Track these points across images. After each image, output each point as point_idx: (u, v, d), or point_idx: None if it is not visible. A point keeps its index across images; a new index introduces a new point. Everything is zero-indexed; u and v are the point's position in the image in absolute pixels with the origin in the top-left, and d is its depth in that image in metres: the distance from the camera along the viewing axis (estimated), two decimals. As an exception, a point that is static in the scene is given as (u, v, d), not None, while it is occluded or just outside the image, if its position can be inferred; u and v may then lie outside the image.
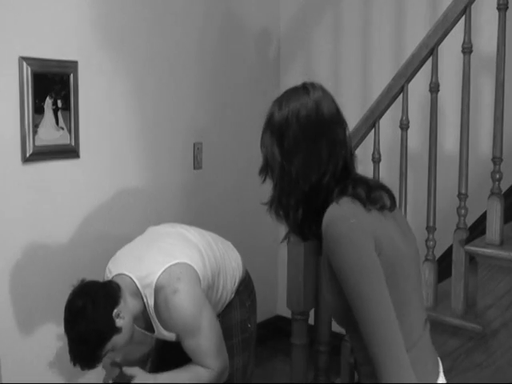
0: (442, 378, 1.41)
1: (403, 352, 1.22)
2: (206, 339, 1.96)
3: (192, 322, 1.94)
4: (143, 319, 2.02)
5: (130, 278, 1.97)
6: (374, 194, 1.33)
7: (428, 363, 1.37)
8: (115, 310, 1.92)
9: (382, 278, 1.24)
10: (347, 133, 1.39)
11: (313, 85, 1.39)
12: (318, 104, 1.34)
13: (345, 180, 1.34)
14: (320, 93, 1.37)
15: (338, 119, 1.37)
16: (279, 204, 1.37)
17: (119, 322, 1.93)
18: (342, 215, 1.27)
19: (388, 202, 1.37)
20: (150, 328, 2.05)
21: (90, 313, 1.88)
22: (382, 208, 1.33)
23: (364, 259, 1.24)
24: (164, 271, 1.94)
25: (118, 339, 1.92)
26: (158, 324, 2.00)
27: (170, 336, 2.02)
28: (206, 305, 1.98)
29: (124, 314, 1.94)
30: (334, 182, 1.33)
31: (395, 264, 1.29)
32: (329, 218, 1.28)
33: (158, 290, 1.93)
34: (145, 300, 1.96)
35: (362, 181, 1.36)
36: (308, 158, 1.32)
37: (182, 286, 1.93)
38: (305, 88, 1.38)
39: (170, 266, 1.96)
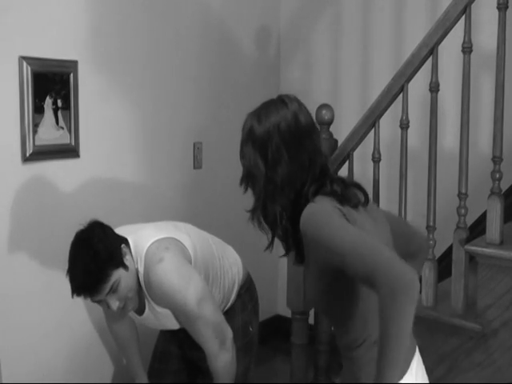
0: (417, 357, 1.48)
1: (390, 250, 1.31)
2: (194, 315, 1.95)
3: (177, 293, 1.93)
4: (136, 293, 2.01)
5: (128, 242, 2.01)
6: (348, 192, 1.44)
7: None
8: (123, 246, 1.94)
9: (359, 231, 1.33)
10: (320, 139, 1.50)
11: (289, 97, 1.48)
12: (296, 115, 1.43)
13: (323, 178, 1.44)
14: (296, 104, 1.46)
15: (314, 128, 1.48)
16: (264, 211, 1.44)
17: (126, 261, 1.93)
18: (315, 209, 1.37)
19: (362, 199, 1.47)
20: (140, 308, 2.05)
21: (101, 234, 1.92)
22: (355, 205, 1.42)
23: (339, 223, 1.32)
24: (154, 241, 1.98)
25: (123, 276, 1.91)
26: (148, 296, 2.00)
27: (162, 312, 2.02)
28: (194, 278, 1.97)
29: (129, 258, 1.95)
30: (314, 187, 1.42)
31: None
32: (304, 214, 1.36)
33: (146, 259, 1.96)
34: (136, 266, 1.98)
35: (339, 179, 1.47)
36: (291, 166, 1.41)
37: (168, 256, 1.95)
38: (282, 101, 1.46)
39: (161, 238, 2.00)
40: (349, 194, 1.43)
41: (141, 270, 1.97)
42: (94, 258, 1.86)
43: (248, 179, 1.46)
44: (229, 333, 2.01)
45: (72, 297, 1.89)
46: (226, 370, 2.03)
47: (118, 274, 1.90)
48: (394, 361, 1.25)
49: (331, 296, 1.41)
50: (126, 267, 1.92)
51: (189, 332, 2.03)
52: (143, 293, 2.01)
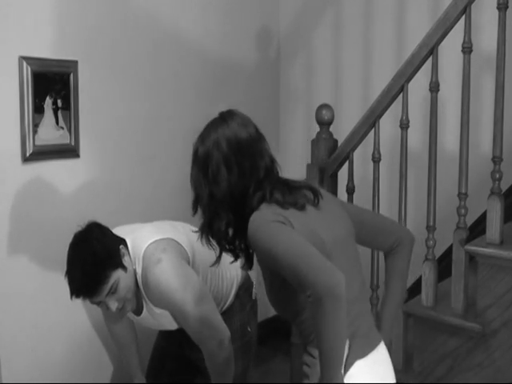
0: (378, 352, 1.51)
1: (321, 256, 1.33)
2: (192, 315, 1.95)
3: (175, 294, 1.93)
4: (134, 294, 2.00)
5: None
6: (292, 196, 1.46)
7: (357, 337, 1.45)
8: (121, 247, 1.93)
9: (301, 238, 1.37)
10: (266, 145, 1.52)
11: (229, 112, 1.53)
12: (235, 130, 1.48)
13: (267, 184, 1.47)
14: (237, 119, 1.50)
15: (256, 137, 1.50)
16: (210, 229, 1.50)
17: (125, 262, 1.93)
18: (260, 215, 1.42)
19: (310, 199, 1.50)
20: (138, 309, 2.04)
21: (99, 235, 1.92)
22: (302, 207, 1.46)
23: (279, 233, 1.37)
24: (152, 242, 1.98)
25: (122, 277, 1.90)
26: (146, 297, 1.99)
27: (160, 313, 2.01)
28: (192, 279, 1.98)
29: (128, 259, 1.95)
30: (256, 193, 1.46)
31: (317, 248, 1.38)
32: (250, 221, 1.42)
33: (144, 259, 1.96)
34: (134, 267, 1.97)
35: (281, 184, 1.49)
36: (232, 179, 1.45)
37: (166, 257, 1.95)
38: (222, 118, 1.52)
39: (159, 239, 2.00)
40: (292, 199, 1.46)
41: (139, 271, 1.97)
42: (92, 258, 1.85)
43: (197, 201, 1.51)
44: (227, 333, 2.01)
45: (71, 298, 1.88)
46: (223, 369, 2.03)
47: (117, 275, 1.89)
48: (331, 360, 1.33)
49: (283, 294, 1.47)
50: (124, 268, 1.92)
51: (187, 332, 2.03)
52: (141, 294, 2.01)
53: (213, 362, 2.01)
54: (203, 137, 1.52)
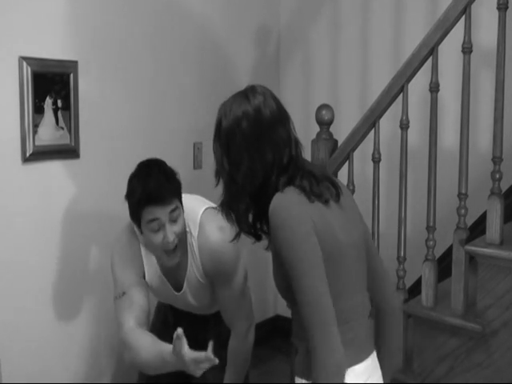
0: (370, 360, 1.50)
1: (334, 325, 1.32)
2: (240, 287, 2.00)
3: (231, 263, 1.96)
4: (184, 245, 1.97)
5: None
6: (319, 188, 1.42)
7: (355, 344, 1.45)
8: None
9: (319, 260, 1.34)
10: (291, 126, 1.47)
11: (253, 89, 1.46)
12: (257, 110, 1.41)
13: (292, 170, 1.42)
14: (260, 97, 1.43)
15: (279, 118, 1.44)
16: (230, 209, 1.46)
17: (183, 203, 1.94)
18: (285, 204, 1.37)
19: (333, 194, 1.46)
20: (177, 286, 2.04)
21: (165, 163, 1.96)
22: (326, 201, 1.42)
23: (302, 244, 1.34)
24: (207, 208, 2.00)
25: (181, 213, 1.90)
26: (198, 259, 1.97)
27: (198, 289, 2.02)
28: (241, 255, 2.01)
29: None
30: (280, 177, 1.41)
31: (333, 251, 1.39)
32: (273, 205, 1.37)
33: (201, 223, 1.97)
34: (188, 229, 1.96)
35: (309, 173, 1.44)
36: (253, 165, 1.41)
37: (227, 227, 1.92)
38: (245, 95, 1.44)
39: (212, 206, 1.99)
40: (319, 190, 1.42)
41: (194, 233, 1.96)
42: (165, 174, 1.89)
43: (218, 173, 1.48)
44: (254, 320, 2.09)
45: (138, 205, 1.85)
46: (248, 353, 2.08)
47: (180, 212, 1.89)
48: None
49: (287, 282, 1.44)
50: (183, 208, 1.92)
51: (223, 309, 2.04)
52: (192, 256, 1.98)
53: (241, 343, 2.05)
54: (226, 109, 1.44)
